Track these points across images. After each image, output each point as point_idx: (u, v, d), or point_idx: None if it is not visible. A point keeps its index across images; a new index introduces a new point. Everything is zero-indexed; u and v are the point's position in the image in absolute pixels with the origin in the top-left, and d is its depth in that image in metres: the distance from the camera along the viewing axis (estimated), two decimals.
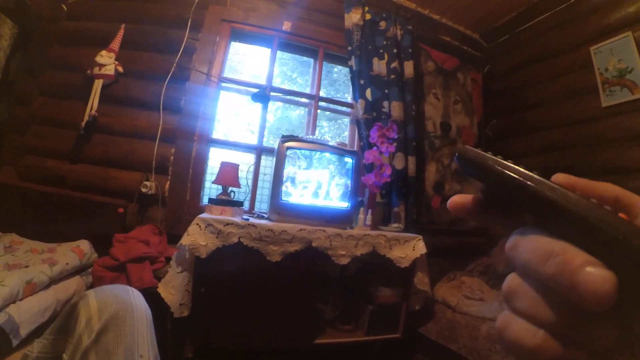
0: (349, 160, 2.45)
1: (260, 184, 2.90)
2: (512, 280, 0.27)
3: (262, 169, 2.91)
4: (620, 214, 0.22)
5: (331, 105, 3.41)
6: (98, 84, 2.57)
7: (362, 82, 2.99)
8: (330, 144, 2.45)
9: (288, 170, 2.28)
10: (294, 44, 3.16)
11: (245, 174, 2.68)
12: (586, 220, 0.22)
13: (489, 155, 0.28)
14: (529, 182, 0.25)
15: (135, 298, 0.93)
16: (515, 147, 3.41)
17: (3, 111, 2.48)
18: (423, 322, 2.62)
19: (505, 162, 0.27)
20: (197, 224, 1.92)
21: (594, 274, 0.21)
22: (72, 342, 0.83)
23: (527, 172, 0.26)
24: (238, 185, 2.40)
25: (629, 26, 2.50)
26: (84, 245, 2.15)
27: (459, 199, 0.32)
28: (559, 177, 0.28)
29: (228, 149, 2.96)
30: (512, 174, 0.26)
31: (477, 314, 2.34)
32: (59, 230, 2.24)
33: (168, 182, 2.62)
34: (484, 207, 0.31)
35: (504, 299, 0.27)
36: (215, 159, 2.82)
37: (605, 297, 0.20)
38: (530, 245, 0.25)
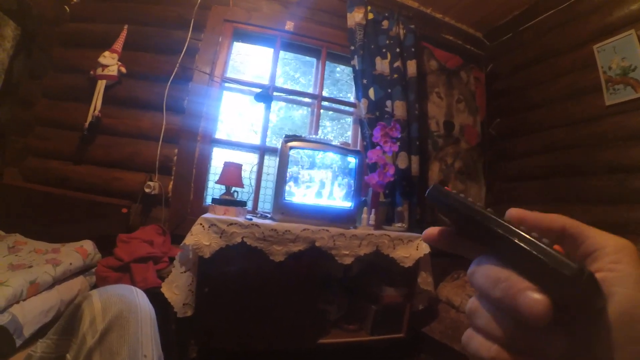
0: (352, 159, 2.44)
1: (263, 183, 2.90)
2: (472, 302, 0.32)
3: (265, 169, 2.91)
4: (556, 246, 0.27)
5: (334, 105, 3.40)
6: (101, 85, 2.58)
7: (365, 81, 2.99)
8: (334, 143, 2.44)
9: (291, 170, 2.28)
10: (296, 44, 3.16)
11: (248, 174, 2.68)
12: (526, 252, 0.27)
13: (453, 194, 0.34)
14: (479, 219, 0.31)
15: (139, 298, 0.93)
16: (518, 146, 3.40)
17: (6, 113, 2.48)
18: (427, 322, 2.61)
19: (465, 201, 0.32)
20: (201, 224, 1.91)
21: (530, 297, 0.26)
22: (76, 342, 0.83)
23: (480, 210, 0.31)
24: (241, 185, 2.40)
25: (632, 24, 2.48)
26: (88, 245, 2.15)
27: (430, 232, 0.38)
28: (512, 212, 0.33)
29: (231, 149, 2.96)
30: (469, 212, 0.32)
31: None
32: (62, 231, 2.24)
33: (171, 183, 2.63)
34: (451, 238, 0.37)
35: (467, 318, 0.32)
36: (219, 159, 2.83)
37: (541, 315, 0.25)
38: (483, 273, 0.30)
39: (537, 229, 0.31)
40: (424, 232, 0.39)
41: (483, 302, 0.31)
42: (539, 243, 0.27)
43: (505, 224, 0.29)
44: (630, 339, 0.26)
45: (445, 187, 0.36)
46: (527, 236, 0.28)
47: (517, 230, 0.28)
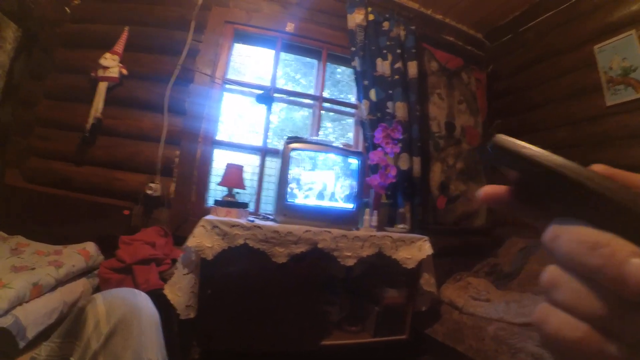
0: (353, 161, 2.44)
1: (265, 185, 2.89)
2: (552, 271, 0.26)
3: (266, 171, 2.91)
4: None
5: (335, 106, 3.40)
6: (102, 86, 2.58)
7: (365, 82, 2.99)
8: (335, 145, 2.44)
9: (293, 171, 2.28)
10: (297, 45, 3.16)
11: (250, 176, 2.68)
12: (630, 210, 0.22)
13: (526, 144, 0.27)
14: (569, 172, 0.25)
15: (143, 301, 0.93)
16: None
17: (8, 114, 2.48)
18: (429, 323, 2.61)
19: (543, 151, 0.26)
20: (203, 226, 1.91)
21: None
22: (80, 345, 0.83)
23: (567, 161, 0.25)
24: (243, 187, 2.40)
25: (633, 24, 2.49)
26: (90, 247, 2.15)
27: (491, 190, 0.31)
28: (599, 167, 0.27)
29: (233, 150, 2.96)
30: (552, 163, 0.25)
31: (483, 315, 2.32)
32: (64, 232, 2.24)
33: (173, 184, 2.63)
34: (519, 198, 0.30)
35: (542, 290, 0.26)
36: (220, 160, 2.82)
37: None
38: (574, 236, 0.24)
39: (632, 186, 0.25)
40: (482, 190, 0.32)
41: (570, 272, 0.25)
42: None
43: (603, 178, 0.24)
44: None
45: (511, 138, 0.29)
46: (632, 192, 0.22)
47: (617, 185, 0.23)
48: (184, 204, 2.63)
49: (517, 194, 0.30)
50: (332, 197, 2.38)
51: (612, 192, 0.23)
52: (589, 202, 0.24)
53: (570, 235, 0.25)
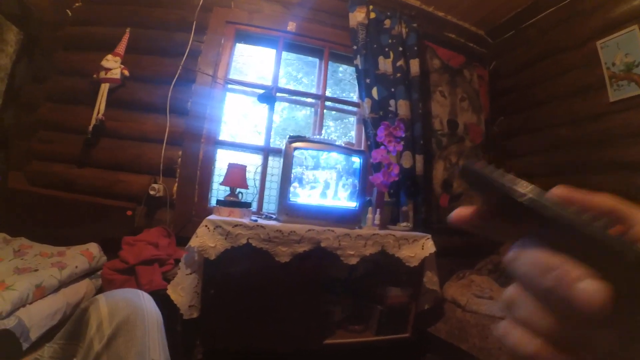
0: (356, 159, 2.43)
1: (267, 184, 2.90)
2: (511, 291, 0.28)
3: (269, 170, 2.91)
4: (612, 229, 0.23)
5: (337, 105, 3.40)
6: (104, 88, 2.58)
7: (368, 81, 2.98)
8: (337, 143, 2.44)
9: (296, 170, 2.28)
10: (299, 45, 3.16)
11: (252, 175, 2.68)
12: (580, 234, 0.24)
13: (493, 169, 0.29)
14: (528, 196, 0.26)
15: (146, 302, 0.93)
16: (523, 144, 3.39)
17: (10, 117, 2.49)
18: (433, 322, 2.61)
19: (508, 176, 0.28)
20: (206, 226, 1.91)
21: (589, 287, 0.22)
22: (83, 347, 0.83)
23: (528, 186, 0.27)
24: (246, 187, 2.40)
25: (636, 19, 2.47)
26: (93, 248, 2.16)
27: (461, 212, 0.33)
28: (558, 190, 0.29)
29: (235, 150, 2.96)
30: (514, 189, 0.27)
31: (487, 313, 2.32)
32: (67, 234, 2.25)
33: (176, 185, 2.63)
34: (486, 219, 0.32)
35: (503, 308, 0.29)
36: (223, 160, 2.82)
37: (599, 308, 0.22)
38: (529, 259, 0.27)
39: (586, 209, 0.27)
40: (453, 213, 0.34)
41: (526, 291, 0.27)
42: (595, 226, 0.24)
43: (555, 205, 0.25)
44: None
45: (478, 163, 0.31)
46: (580, 218, 0.24)
47: (570, 210, 0.25)
48: (187, 204, 2.63)
49: (486, 215, 0.32)
50: (335, 196, 2.38)
51: (564, 216, 0.25)
52: (546, 226, 0.26)
53: (526, 258, 0.27)
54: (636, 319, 0.24)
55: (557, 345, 0.25)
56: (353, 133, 3.35)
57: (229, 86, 2.91)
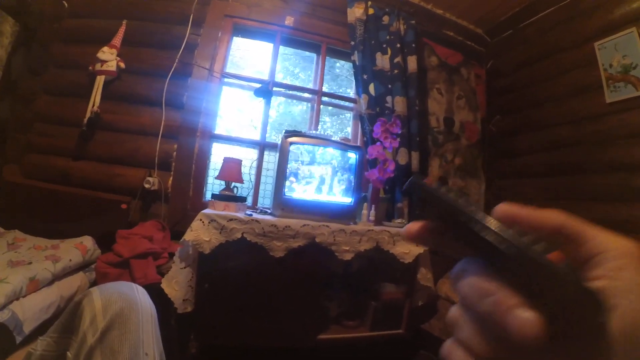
0: (352, 155, 2.43)
1: (263, 179, 2.89)
2: (453, 311, 0.29)
3: (264, 165, 2.91)
4: (554, 253, 0.24)
5: (334, 101, 3.40)
6: (100, 80, 2.56)
7: (365, 77, 2.98)
8: (334, 139, 2.43)
9: (291, 165, 2.28)
10: (296, 39, 3.15)
11: (248, 170, 2.68)
12: (514, 261, 0.24)
13: (433, 188, 0.30)
14: (463, 220, 0.27)
15: (140, 296, 0.92)
16: (520, 143, 3.39)
17: (6, 110, 2.47)
18: (426, 318, 2.62)
19: (447, 198, 0.29)
20: (201, 220, 1.91)
21: (522, 317, 0.23)
22: (76, 340, 0.83)
23: (464, 209, 0.27)
24: (241, 181, 2.40)
25: (634, 22, 2.47)
26: (87, 241, 2.15)
27: (411, 228, 0.33)
28: (502, 209, 0.29)
29: (231, 144, 2.96)
30: (451, 212, 0.28)
31: None
32: (62, 227, 2.24)
33: (171, 178, 2.62)
34: (435, 235, 0.32)
35: (448, 327, 0.29)
36: (218, 154, 2.82)
37: (532, 336, 0.22)
38: (469, 281, 0.27)
39: (532, 228, 0.28)
40: (404, 228, 0.34)
41: (467, 313, 0.28)
42: (532, 251, 0.23)
43: (492, 228, 0.25)
44: (634, 358, 0.23)
45: (425, 180, 0.31)
46: (518, 243, 0.24)
47: (505, 235, 0.24)
48: (182, 198, 2.62)
49: (432, 232, 0.32)
50: (330, 191, 2.38)
51: (501, 241, 0.25)
52: (486, 250, 0.26)
53: (466, 280, 0.27)
54: (574, 346, 0.24)
55: None
56: (349, 129, 3.35)
57: (226, 80, 2.90)
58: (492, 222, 0.26)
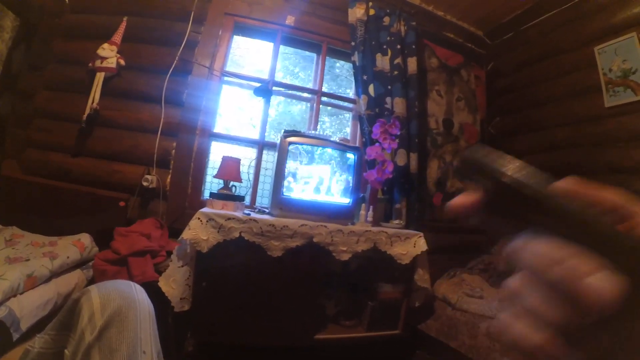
0: (350, 156, 2.44)
1: (261, 178, 2.89)
2: (515, 282, 0.27)
3: (263, 164, 2.91)
4: (620, 226, 0.24)
5: (333, 101, 3.40)
6: (100, 77, 2.56)
7: (365, 77, 2.98)
8: (332, 139, 2.44)
9: (290, 165, 2.28)
10: (296, 39, 3.15)
11: (246, 169, 2.68)
12: (587, 229, 0.24)
13: (498, 156, 0.29)
14: (531, 190, 0.26)
15: (138, 294, 0.92)
16: (519, 145, 3.40)
17: (6, 105, 2.47)
18: (423, 319, 2.62)
19: (515, 164, 0.28)
20: (199, 218, 1.91)
21: (598, 282, 0.22)
22: (74, 337, 0.83)
23: (531, 176, 0.26)
24: (239, 180, 2.40)
25: (634, 27, 2.48)
26: (85, 238, 2.15)
27: (461, 200, 0.32)
28: (568, 182, 0.28)
29: (230, 143, 2.95)
30: (514, 181, 0.27)
31: (477, 312, 2.34)
32: (60, 224, 2.24)
33: (169, 176, 2.62)
34: (488, 209, 0.31)
35: (505, 299, 0.27)
36: (217, 153, 2.82)
37: (607, 303, 0.21)
38: (537, 250, 0.26)
39: (593, 203, 0.27)
40: (452, 201, 0.32)
41: (533, 282, 0.26)
42: (602, 222, 0.24)
43: (566, 196, 0.25)
44: None
45: (482, 150, 0.30)
46: (588, 214, 0.24)
47: (575, 206, 0.25)
48: (180, 196, 2.62)
49: (486, 205, 0.30)
50: (329, 191, 2.38)
51: (570, 209, 0.24)
52: (553, 216, 0.25)
53: (533, 248, 0.26)
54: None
55: (563, 339, 0.24)
56: (348, 129, 3.35)
57: (225, 78, 2.90)
58: (558, 193, 0.26)
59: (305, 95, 3.30)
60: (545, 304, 0.25)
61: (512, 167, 0.27)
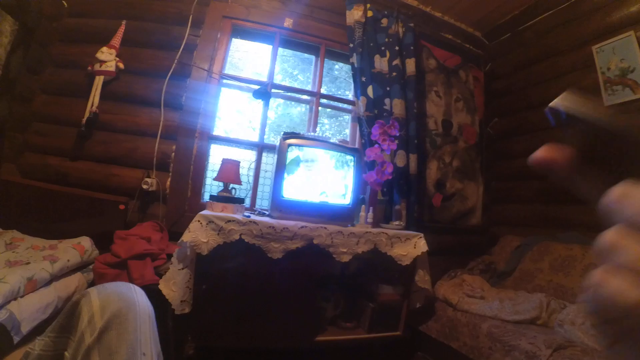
0: (350, 157, 2.44)
1: (261, 180, 2.90)
2: (615, 233, 0.24)
3: (263, 166, 2.92)
4: None
5: (332, 103, 3.41)
6: (99, 81, 2.57)
7: (363, 79, 2.99)
8: (332, 141, 2.44)
9: (289, 167, 2.27)
10: (295, 41, 3.16)
11: (246, 171, 2.68)
12: None
13: (590, 104, 0.27)
14: (633, 136, 0.24)
15: (138, 296, 0.92)
16: (517, 145, 3.41)
17: (4, 109, 2.46)
18: (424, 320, 2.62)
19: (611, 112, 0.26)
20: (199, 221, 1.91)
21: None
22: (74, 340, 0.83)
23: (632, 122, 0.25)
24: (239, 182, 2.40)
25: (632, 25, 2.49)
26: (85, 241, 2.14)
27: (551, 151, 0.30)
28: None
29: (229, 145, 2.95)
30: (622, 127, 0.25)
31: (478, 312, 2.34)
32: (60, 228, 2.24)
33: (169, 179, 2.62)
34: (579, 162, 0.29)
35: (600, 255, 0.24)
36: (217, 155, 2.82)
37: None
38: None
39: None
40: (539, 152, 0.30)
41: (634, 235, 0.23)
42: None
43: None
44: None
45: (578, 98, 0.28)
46: None
47: None
48: (180, 199, 2.62)
49: (579, 157, 0.29)
50: (328, 193, 2.38)
51: None
52: None
53: (638, 198, 0.24)
54: None
55: None
56: (347, 131, 3.36)
57: (224, 81, 2.90)
58: None
59: (304, 97, 3.30)
60: None
61: (612, 114, 0.26)
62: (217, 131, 2.92)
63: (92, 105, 2.52)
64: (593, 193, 0.27)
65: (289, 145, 2.25)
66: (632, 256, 0.23)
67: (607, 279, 0.23)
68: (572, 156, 0.29)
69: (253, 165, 2.84)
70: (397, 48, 3.09)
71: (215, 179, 2.39)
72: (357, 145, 3.08)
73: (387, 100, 3.00)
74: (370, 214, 2.47)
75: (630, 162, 0.25)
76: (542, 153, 0.30)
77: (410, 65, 3.14)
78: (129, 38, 2.70)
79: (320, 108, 3.18)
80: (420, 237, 2.39)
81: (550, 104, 0.29)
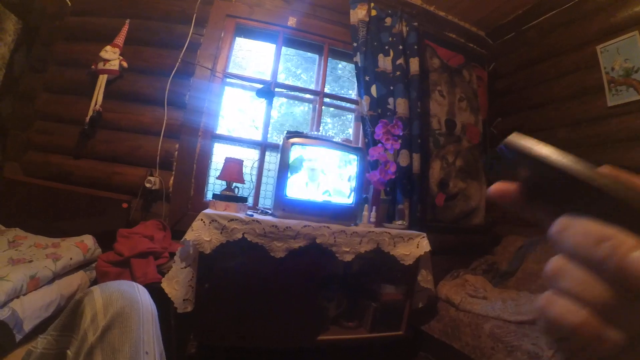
0: (353, 157, 2.43)
1: (264, 179, 2.89)
2: (557, 261, 0.27)
3: (266, 165, 2.91)
4: None
5: (336, 102, 3.40)
6: (102, 79, 2.57)
7: (367, 78, 2.98)
8: (335, 140, 2.43)
9: (292, 166, 2.27)
10: (298, 40, 3.15)
11: (249, 170, 2.68)
12: (633, 207, 0.24)
13: (537, 144, 0.30)
14: (577, 172, 0.27)
15: (141, 294, 0.92)
16: None
17: (7, 107, 2.47)
18: (426, 320, 2.62)
19: (553, 150, 0.29)
20: (202, 220, 1.91)
21: None
22: (77, 338, 0.83)
23: (575, 161, 0.27)
24: (242, 181, 2.40)
25: (636, 25, 2.48)
26: (88, 240, 2.15)
27: (501, 187, 0.33)
28: (606, 169, 0.28)
29: (232, 144, 2.95)
30: (561, 164, 0.28)
31: (480, 312, 2.33)
32: (63, 226, 2.24)
33: (172, 178, 2.62)
34: (527, 196, 0.32)
35: (547, 279, 0.27)
36: (220, 154, 2.83)
37: None
38: (580, 229, 0.26)
39: (633, 187, 0.27)
40: (493, 187, 0.33)
41: (576, 262, 0.26)
42: None
43: (612, 178, 0.26)
44: None
45: (524, 139, 0.31)
46: (632, 194, 0.24)
47: (624, 184, 0.25)
48: (183, 197, 2.62)
49: (526, 191, 0.32)
50: (332, 192, 2.38)
51: (616, 191, 0.25)
52: (595, 200, 0.26)
53: (577, 228, 0.26)
54: None
55: (605, 318, 0.24)
56: (351, 130, 3.35)
57: (228, 80, 2.90)
58: (604, 177, 0.26)
59: (308, 96, 3.30)
60: (585, 282, 0.25)
61: (556, 153, 0.29)
62: (221, 130, 2.92)
63: (96, 104, 2.52)
64: (543, 222, 0.30)
65: (292, 144, 2.25)
66: (571, 283, 0.26)
67: (551, 302, 0.26)
68: (520, 191, 0.32)
69: (256, 164, 2.84)
70: (400, 47, 3.08)
71: (218, 178, 2.38)
72: (360, 145, 3.08)
73: (390, 100, 2.99)
74: (373, 213, 2.47)
75: (575, 197, 0.28)
76: (493, 188, 0.34)
77: (414, 64, 3.13)
78: (133, 37, 2.70)
79: (323, 107, 3.17)
80: (423, 237, 2.38)
81: (504, 141, 0.32)
